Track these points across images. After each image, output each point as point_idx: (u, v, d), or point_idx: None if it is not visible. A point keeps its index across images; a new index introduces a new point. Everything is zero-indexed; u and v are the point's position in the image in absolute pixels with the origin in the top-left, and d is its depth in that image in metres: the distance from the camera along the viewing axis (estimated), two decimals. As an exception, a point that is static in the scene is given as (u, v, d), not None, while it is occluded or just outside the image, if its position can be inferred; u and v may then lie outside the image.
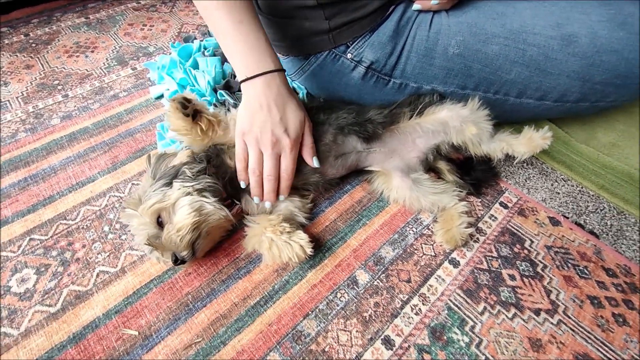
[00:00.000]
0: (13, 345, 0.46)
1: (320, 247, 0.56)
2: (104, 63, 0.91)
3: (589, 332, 0.48)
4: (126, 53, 0.95)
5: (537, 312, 0.50)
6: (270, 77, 0.49)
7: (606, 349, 0.47)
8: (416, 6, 0.57)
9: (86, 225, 0.58)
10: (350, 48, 0.59)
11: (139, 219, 0.47)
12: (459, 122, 0.56)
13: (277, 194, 0.54)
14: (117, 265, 0.54)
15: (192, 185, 0.49)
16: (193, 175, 0.49)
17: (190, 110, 0.49)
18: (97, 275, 0.53)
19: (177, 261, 0.47)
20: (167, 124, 0.58)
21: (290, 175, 0.53)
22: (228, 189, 0.54)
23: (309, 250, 0.50)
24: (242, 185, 0.54)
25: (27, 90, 0.83)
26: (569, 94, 0.57)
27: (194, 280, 0.52)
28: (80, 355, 0.45)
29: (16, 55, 0.93)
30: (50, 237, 0.57)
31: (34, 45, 0.97)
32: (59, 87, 0.84)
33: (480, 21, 0.55)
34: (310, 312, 0.49)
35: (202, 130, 0.50)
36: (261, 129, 0.49)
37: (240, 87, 0.51)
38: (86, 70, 0.89)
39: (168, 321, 0.48)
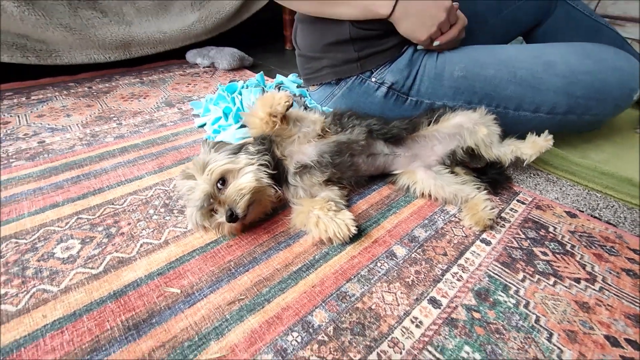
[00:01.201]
0: (51, 300, 0.45)
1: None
2: (154, 105, 1.06)
3: (633, 297, 0.48)
4: (173, 99, 1.11)
5: (577, 280, 0.50)
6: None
7: (655, 310, 0.46)
8: (420, 47, 0.74)
9: (132, 209, 0.62)
10: (375, 73, 0.74)
11: (204, 177, 0.52)
12: (471, 124, 0.66)
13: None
14: (160, 239, 0.55)
15: (255, 158, 0.55)
16: (256, 151, 0.56)
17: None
18: (141, 245, 0.54)
19: (232, 216, 0.50)
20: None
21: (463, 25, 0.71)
22: (273, 175, 0.60)
23: (353, 229, 0.53)
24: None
25: (87, 120, 0.95)
26: (557, 106, 0.69)
27: (236, 250, 0.53)
28: (120, 309, 0.44)
29: (79, 99, 1.09)
30: (98, 216, 0.59)
31: (95, 93, 1.14)
32: (114, 118, 0.96)
33: (476, 54, 0.71)
34: (352, 277, 0.49)
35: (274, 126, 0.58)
36: (432, 20, 0.65)
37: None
38: (139, 109, 1.03)
39: (211, 282, 0.48)
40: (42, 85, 1.19)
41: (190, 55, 1.47)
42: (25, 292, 0.46)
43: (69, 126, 0.91)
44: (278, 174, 0.61)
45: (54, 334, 0.41)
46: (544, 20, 0.96)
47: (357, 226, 0.57)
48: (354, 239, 0.56)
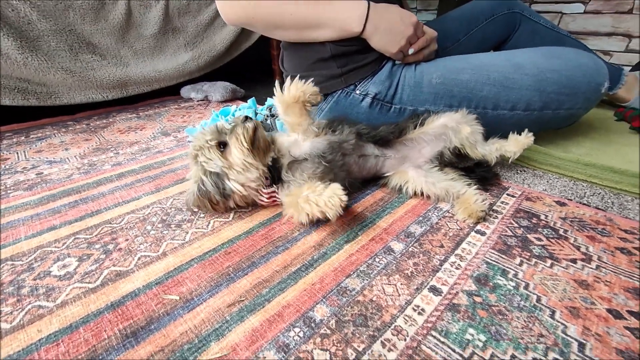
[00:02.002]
0: (47, 315, 0.44)
1: (352, 228, 0.59)
2: (150, 135, 1.10)
3: (630, 272, 0.48)
4: (169, 129, 1.15)
5: (573, 260, 0.51)
6: (372, 6, 0.69)
7: (654, 283, 0.46)
8: (398, 61, 0.79)
9: (130, 226, 0.62)
10: (358, 86, 0.78)
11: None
12: (454, 124, 0.69)
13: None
14: (158, 251, 0.55)
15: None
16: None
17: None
18: (139, 258, 0.54)
19: (247, 119, 0.61)
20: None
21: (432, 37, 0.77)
22: (272, 172, 0.63)
23: (343, 197, 0.54)
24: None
25: (84, 152, 0.98)
26: (532, 103, 0.73)
27: (234, 257, 0.54)
28: (118, 318, 0.43)
29: (77, 135, 1.12)
30: (95, 235, 0.60)
31: (93, 129, 1.18)
32: (111, 149, 0.99)
33: (451, 62, 0.77)
34: (352, 273, 0.49)
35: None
36: (402, 35, 0.71)
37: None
38: (135, 139, 1.06)
39: (210, 287, 0.48)
40: (42, 125, 1.22)
41: (185, 91, 1.54)
42: (20, 310, 0.45)
43: (67, 158, 0.93)
44: (273, 172, 0.63)
45: (49, 347, 0.40)
46: (511, 36, 1.04)
47: (353, 226, 0.58)
48: (351, 236, 0.57)
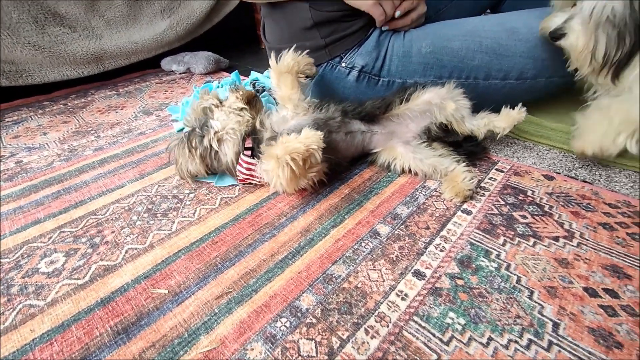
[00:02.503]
0: (38, 314, 0.45)
1: (339, 211, 0.59)
2: (132, 115, 1.06)
3: (610, 249, 0.49)
4: (151, 107, 1.11)
5: (556, 238, 0.51)
6: None
7: (631, 259, 0.47)
8: (384, 27, 0.74)
9: (115, 217, 0.61)
10: (344, 58, 0.74)
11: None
12: (439, 100, 0.67)
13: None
14: (145, 243, 0.55)
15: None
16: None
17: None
18: (126, 251, 0.54)
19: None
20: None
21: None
22: (255, 148, 0.63)
23: (319, 132, 0.53)
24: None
25: (64, 136, 0.94)
26: (525, 70, 0.70)
27: (221, 246, 0.54)
28: (109, 315, 0.44)
29: (55, 116, 1.07)
30: (81, 228, 0.59)
31: (71, 109, 1.13)
32: (92, 132, 0.95)
33: (441, 28, 0.72)
34: (337, 260, 0.50)
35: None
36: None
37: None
38: (116, 120, 1.02)
39: (198, 279, 0.48)
40: (16, 107, 1.17)
41: (165, 63, 1.45)
42: (12, 310, 0.45)
43: (46, 144, 0.90)
44: (255, 145, 0.62)
45: (43, 346, 0.41)
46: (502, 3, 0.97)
47: (340, 209, 0.58)
48: (338, 221, 0.57)
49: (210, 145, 0.63)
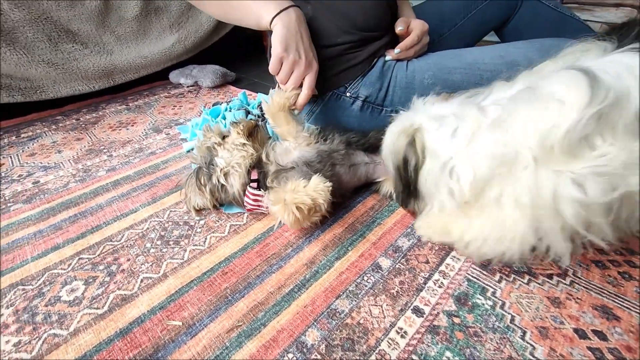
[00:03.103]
0: (62, 344, 0.48)
1: (343, 242, 0.62)
2: (142, 132, 1.09)
3: (601, 288, 0.52)
4: (160, 124, 1.14)
5: (550, 276, 0.54)
6: (295, 9, 0.65)
7: (620, 299, 0.50)
8: (388, 57, 0.77)
9: (130, 244, 0.65)
10: (348, 88, 0.77)
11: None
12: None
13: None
14: (159, 272, 0.58)
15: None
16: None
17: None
18: (141, 280, 0.57)
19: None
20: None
21: (308, 94, 0.67)
22: (259, 178, 0.66)
23: (328, 184, 0.57)
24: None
25: (77, 154, 0.98)
26: (525, 105, 0.72)
27: (231, 277, 0.57)
28: (128, 346, 0.47)
29: (68, 133, 1.11)
30: (98, 255, 0.63)
31: (83, 125, 1.16)
32: (104, 150, 0.99)
33: (443, 60, 0.74)
34: (341, 294, 0.53)
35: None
36: (298, 52, 0.64)
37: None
38: (127, 138, 1.06)
39: (209, 311, 0.51)
40: (31, 121, 1.21)
41: (173, 76, 1.49)
42: (38, 339, 0.49)
43: (61, 163, 0.94)
44: (261, 177, 0.65)
45: (68, 376, 0.44)
46: (512, 17, 0.99)
47: (343, 241, 0.61)
48: (341, 253, 0.60)
49: (219, 181, 0.66)
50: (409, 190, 0.57)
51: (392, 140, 0.57)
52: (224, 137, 0.70)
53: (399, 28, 0.75)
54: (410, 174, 0.54)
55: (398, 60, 0.77)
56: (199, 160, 0.70)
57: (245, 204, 0.66)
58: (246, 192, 0.66)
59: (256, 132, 0.70)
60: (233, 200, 0.68)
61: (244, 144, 0.67)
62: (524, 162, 0.44)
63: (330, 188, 0.58)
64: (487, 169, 0.46)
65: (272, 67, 0.66)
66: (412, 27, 0.75)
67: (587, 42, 0.47)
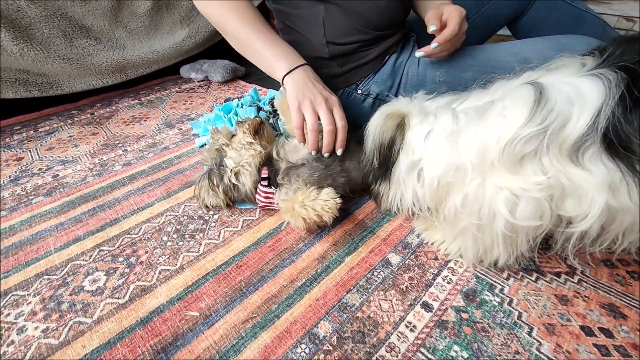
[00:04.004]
0: (87, 331, 0.51)
1: (353, 238, 0.64)
2: (155, 127, 1.11)
3: (609, 287, 0.52)
4: (173, 119, 1.16)
5: (558, 274, 0.55)
6: (305, 67, 0.66)
7: (628, 298, 0.51)
8: (419, 53, 0.71)
9: (147, 237, 0.67)
10: (360, 86, 0.77)
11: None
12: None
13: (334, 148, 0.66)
14: (176, 264, 0.61)
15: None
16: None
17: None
18: (160, 272, 0.59)
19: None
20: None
21: (345, 123, 0.64)
22: (270, 175, 0.67)
23: (338, 199, 0.59)
24: (313, 153, 0.66)
25: (94, 149, 1.00)
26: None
27: (245, 271, 0.59)
28: (148, 335, 0.50)
29: (84, 127, 1.14)
30: (117, 247, 0.65)
31: (98, 120, 1.19)
32: (119, 145, 1.01)
33: (456, 58, 0.74)
34: (352, 288, 0.55)
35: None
36: (312, 94, 0.63)
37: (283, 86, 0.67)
38: (141, 133, 1.08)
39: (225, 303, 0.53)
40: (47, 115, 1.24)
41: (184, 70, 1.50)
42: (64, 326, 0.52)
43: (78, 157, 0.96)
44: (272, 174, 0.67)
45: (94, 362, 0.47)
46: (526, 12, 0.97)
47: (354, 236, 0.63)
48: (352, 248, 0.61)
49: (230, 181, 0.68)
50: (385, 169, 0.57)
51: (382, 119, 0.58)
52: (232, 137, 0.71)
53: (431, 28, 0.67)
54: (393, 155, 0.55)
55: (431, 56, 0.72)
56: (209, 162, 0.71)
57: (257, 201, 0.68)
58: (258, 190, 0.67)
59: (262, 129, 0.70)
60: (246, 198, 0.70)
61: (251, 142, 0.68)
62: (471, 175, 0.45)
63: (340, 204, 0.59)
64: (444, 178, 0.48)
65: (294, 120, 0.64)
66: (446, 18, 0.67)
67: (568, 57, 0.47)
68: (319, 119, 0.63)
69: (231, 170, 0.67)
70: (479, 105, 0.49)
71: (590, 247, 0.46)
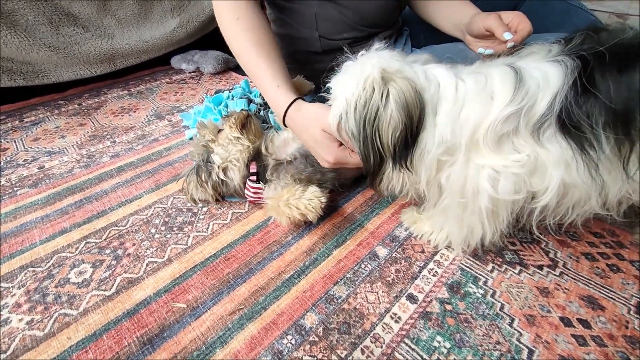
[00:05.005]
0: (73, 323, 0.50)
1: (342, 231, 0.64)
2: (144, 119, 1.10)
3: (589, 280, 0.54)
4: (163, 111, 1.14)
5: (540, 267, 0.56)
6: (289, 112, 0.58)
7: (607, 290, 0.52)
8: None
9: (135, 229, 0.67)
10: (352, 80, 0.77)
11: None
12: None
13: None
14: (164, 257, 0.61)
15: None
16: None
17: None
18: (147, 265, 0.59)
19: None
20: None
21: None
22: (259, 171, 0.67)
23: (323, 199, 0.59)
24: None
25: (81, 140, 0.99)
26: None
27: (233, 263, 0.59)
28: (135, 326, 0.50)
29: (71, 118, 1.12)
30: (104, 239, 0.65)
31: (85, 110, 1.17)
32: (108, 136, 1.00)
33: (447, 53, 0.74)
34: (339, 280, 0.55)
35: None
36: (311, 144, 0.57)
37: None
38: (130, 124, 1.07)
39: (212, 295, 0.54)
40: (33, 105, 1.21)
41: (175, 61, 1.48)
42: (49, 318, 0.51)
43: (65, 148, 0.95)
44: (261, 169, 0.67)
45: (79, 354, 0.47)
46: (519, 7, 0.97)
47: (342, 229, 0.63)
48: (340, 241, 0.62)
49: (219, 177, 0.67)
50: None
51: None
52: (219, 132, 0.70)
53: (507, 36, 0.58)
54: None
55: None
56: (196, 158, 0.70)
57: (246, 196, 0.68)
58: (246, 186, 0.67)
59: (249, 123, 0.70)
60: (235, 193, 0.70)
61: (238, 137, 0.67)
62: (460, 152, 0.45)
63: (324, 204, 0.59)
64: (437, 153, 0.45)
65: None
66: (514, 26, 0.60)
67: (537, 44, 0.47)
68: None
69: (218, 166, 0.67)
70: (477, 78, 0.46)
71: (547, 220, 0.49)
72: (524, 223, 0.52)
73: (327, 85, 0.54)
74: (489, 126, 0.42)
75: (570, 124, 0.40)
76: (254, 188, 0.66)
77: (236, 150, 0.67)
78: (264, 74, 0.60)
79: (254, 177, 0.66)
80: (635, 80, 0.38)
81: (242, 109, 0.74)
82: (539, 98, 0.42)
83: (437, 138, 0.44)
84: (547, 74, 0.42)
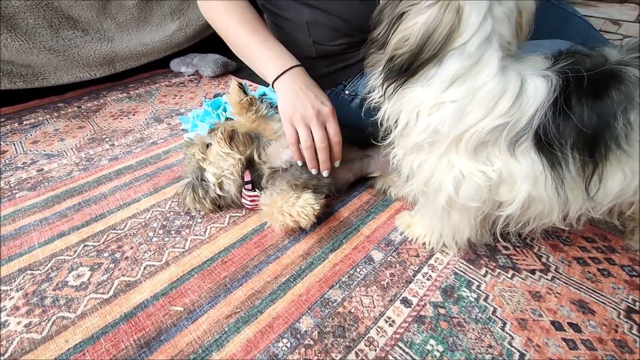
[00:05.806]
0: (70, 326, 0.51)
1: (338, 235, 0.65)
2: (143, 122, 1.10)
3: (580, 284, 0.55)
4: (162, 114, 1.15)
5: (533, 271, 0.57)
6: (295, 70, 0.63)
7: (597, 295, 0.53)
8: None
9: (133, 232, 0.67)
10: (347, 86, 0.78)
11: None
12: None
13: (331, 162, 0.64)
14: (161, 260, 0.61)
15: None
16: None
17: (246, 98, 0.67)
18: (145, 268, 0.60)
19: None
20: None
21: (340, 138, 0.62)
22: (255, 179, 0.67)
23: (316, 206, 0.59)
24: (299, 163, 0.64)
25: (80, 143, 0.99)
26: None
27: (230, 267, 0.60)
28: (132, 329, 0.50)
29: (70, 121, 1.12)
30: (102, 243, 0.65)
31: (85, 113, 1.17)
32: (106, 139, 1.00)
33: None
34: (334, 284, 0.56)
35: (249, 115, 0.67)
36: (303, 107, 0.59)
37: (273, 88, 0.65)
38: (129, 127, 1.07)
39: (209, 298, 0.54)
40: (32, 108, 1.21)
41: (174, 64, 1.48)
42: (47, 321, 0.52)
43: (64, 151, 0.95)
44: (259, 180, 0.67)
45: (77, 357, 0.47)
46: None
47: (338, 233, 0.64)
48: (336, 245, 0.62)
49: (216, 193, 0.68)
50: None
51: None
52: (207, 146, 0.70)
53: None
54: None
55: None
56: (189, 176, 0.70)
57: (243, 204, 0.69)
58: (242, 194, 0.68)
59: (236, 134, 0.69)
60: (231, 203, 0.70)
61: (228, 153, 0.67)
62: (439, 147, 0.45)
63: (318, 211, 0.60)
64: (419, 140, 0.46)
65: (287, 136, 0.61)
66: None
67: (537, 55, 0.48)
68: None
69: (214, 184, 0.67)
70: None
71: (509, 228, 0.52)
72: (489, 229, 0.54)
73: None
74: (476, 131, 0.43)
75: (545, 140, 0.42)
76: (250, 196, 0.67)
77: (228, 164, 0.67)
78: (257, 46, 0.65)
79: (249, 186, 0.67)
80: (606, 109, 0.40)
81: (227, 118, 0.74)
82: (525, 112, 0.42)
83: (425, 126, 0.44)
84: (537, 88, 0.42)
